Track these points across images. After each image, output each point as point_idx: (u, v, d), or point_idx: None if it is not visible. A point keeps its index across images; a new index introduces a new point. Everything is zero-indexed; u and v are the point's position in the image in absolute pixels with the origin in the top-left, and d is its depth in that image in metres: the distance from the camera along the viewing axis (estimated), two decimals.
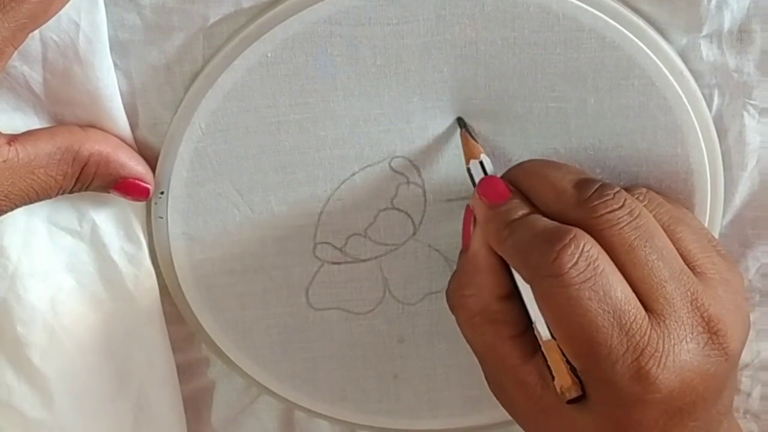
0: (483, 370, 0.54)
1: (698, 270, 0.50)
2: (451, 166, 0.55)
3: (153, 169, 0.55)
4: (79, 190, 0.53)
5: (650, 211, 0.51)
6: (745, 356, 0.61)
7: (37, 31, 0.49)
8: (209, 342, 0.60)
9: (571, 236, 0.48)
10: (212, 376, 0.63)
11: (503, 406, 0.53)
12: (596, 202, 0.49)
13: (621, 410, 0.48)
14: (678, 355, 0.47)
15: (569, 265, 0.47)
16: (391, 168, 0.55)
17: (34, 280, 0.55)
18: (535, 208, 0.51)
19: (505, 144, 0.55)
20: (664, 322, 0.48)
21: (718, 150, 0.55)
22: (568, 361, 0.49)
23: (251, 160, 0.55)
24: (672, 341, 0.47)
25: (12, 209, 0.51)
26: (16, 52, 0.48)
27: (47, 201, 0.53)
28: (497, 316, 0.51)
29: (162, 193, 0.55)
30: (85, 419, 0.59)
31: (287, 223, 0.57)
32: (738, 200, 0.57)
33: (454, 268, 0.54)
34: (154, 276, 0.57)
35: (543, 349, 0.50)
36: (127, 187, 0.54)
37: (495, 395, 0.54)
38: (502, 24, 0.52)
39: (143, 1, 0.51)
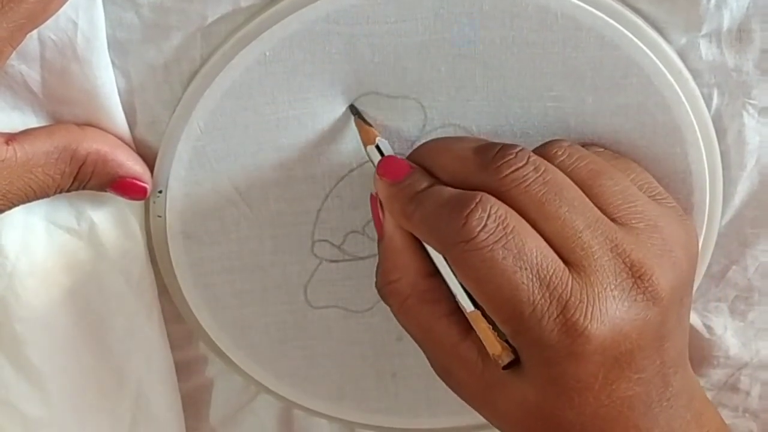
0: (426, 355, 0.53)
1: (620, 220, 0.49)
2: None
3: (151, 167, 0.55)
4: (77, 189, 0.53)
5: (568, 166, 0.50)
6: (744, 355, 0.62)
7: (35, 31, 0.49)
8: (208, 340, 0.60)
9: (477, 200, 0.47)
10: (211, 374, 0.63)
11: (451, 388, 0.53)
12: (499, 163, 0.48)
13: (556, 368, 0.47)
14: (603, 303, 0.47)
15: (478, 228, 0.47)
16: None
17: (32, 279, 0.55)
18: (440, 182, 0.50)
19: None
20: (584, 271, 0.47)
21: (717, 149, 0.55)
22: (498, 330, 0.48)
23: (249, 157, 0.55)
24: (595, 290, 0.47)
25: (10, 208, 0.51)
26: (14, 52, 0.48)
27: (45, 199, 0.53)
28: (428, 295, 0.51)
29: (160, 191, 0.55)
30: (84, 417, 0.59)
31: (285, 220, 0.57)
32: (737, 199, 0.57)
33: None
34: (153, 274, 0.58)
35: (469, 320, 0.49)
36: (125, 187, 0.54)
37: (442, 379, 0.53)
38: (501, 23, 0.51)
39: (141, 0, 0.51)
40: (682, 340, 0.51)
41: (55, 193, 0.52)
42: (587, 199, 0.49)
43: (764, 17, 0.53)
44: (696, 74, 0.54)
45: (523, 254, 0.47)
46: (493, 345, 0.48)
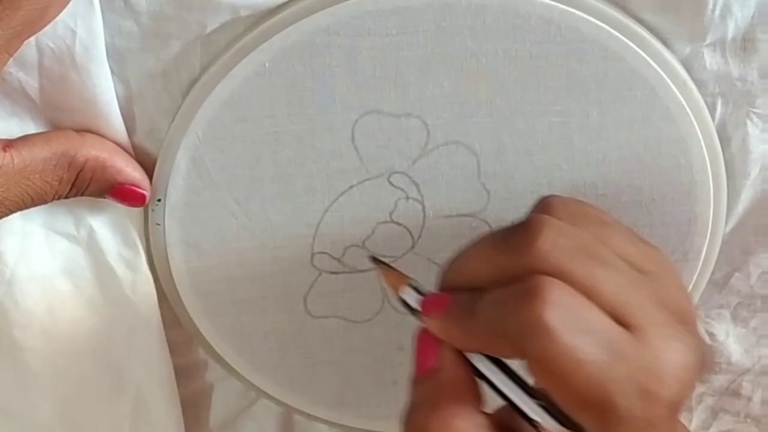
0: None
1: (640, 268, 0.47)
2: (450, 183, 0.55)
3: (150, 175, 0.54)
4: (75, 196, 0.53)
5: (575, 224, 0.47)
6: (746, 361, 0.62)
7: (33, 38, 0.49)
8: (207, 347, 0.60)
9: (540, 283, 0.43)
10: (210, 378, 0.63)
11: None
12: (531, 242, 0.45)
13: None
14: (669, 360, 0.45)
15: (556, 314, 0.43)
16: (390, 183, 0.55)
17: (31, 285, 0.55)
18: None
19: (507, 163, 0.54)
20: (644, 332, 0.44)
21: (721, 159, 0.55)
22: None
23: (248, 169, 0.55)
24: (659, 348, 0.45)
25: (7, 215, 0.51)
26: (11, 59, 0.48)
27: (44, 206, 0.53)
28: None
29: (159, 200, 0.55)
30: (83, 423, 0.59)
31: (285, 232, 0.56)
32: (741, 208, 0.57)
33: None
34: (152, 281, 0.57)
35: None
36: (123, 193, 0.53)
37: None
38: (504, 35, 0.51)
39: (140, 9, 0.51)
40: None
41: (53, 199, 0.52)
42: (615, 255, 0.46)
43: None
44: (700, 84, 0.54)
45: (595, 331, 0.43)
46: None
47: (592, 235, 0.46)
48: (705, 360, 0.50)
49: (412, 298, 0.50)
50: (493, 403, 0.48)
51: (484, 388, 0.47)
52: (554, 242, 0.45)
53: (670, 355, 0.45)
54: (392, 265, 0.54)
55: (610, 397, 0.43)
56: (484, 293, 0.46)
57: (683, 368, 0.45)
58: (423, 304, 0.49)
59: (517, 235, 0.45)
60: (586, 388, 0.43)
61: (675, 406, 0.45)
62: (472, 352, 0.47)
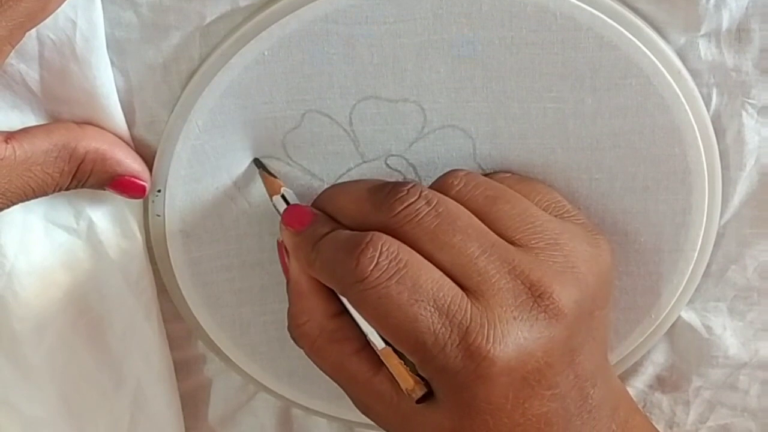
0: (345, 393, 0.54)
1: (519, 242, 0.50)
2: (447, 165, 0.55)
3: (150, 167, 0.55)
4: (76, 187, 0.53)
5: (464, 195, 0.51)
6: (743, 355, 0.62)
7: (33, 30, 0.49)
8: (206, 339, 0.60)
9: (368, 240, 0.48)
10: (209, 373, 0.63)
11: (373, 422, 0.54)
12: (391, 201, 0.50)
13: (466, 393, 0.48)
14: (505, 325, 0.48)
15: (370, 267, 0.48)
16: (387, 166, 0.55)
17: (31, 278, 0.55)
18: (342, 226, 0.52)
19: (503, 146, 0.55)
20: (483, 296, 0.48)
21: (716, 149, 0.55)
22: (411, 365, 0.49)
23: (248, 156, 0.55)
24: (495, 313, 0.48)
25: (8, 206, 0.51)
26: (13, 51, 0.48)
27: (44, 198, 0.53)
28: (336, 334, 0.52)
29: (159, 190, 0.55)
30: (82, 416, 0.59)
31: None
32: (736, 199, 0.57)
33: None
34: (151, 273, 0.58)
35: (381, 357, 0.50)
36: (124, 185, 0.54)
37: (363, 413, 0.54)
38: (500, 23, 0.51)
39: (140, 0, 0.51)
40: (599, 352, 0.52)
41: (53, 191, 0.52)
42: (483, 226, 0.50)
43: (763, 17, 0.53)
44: (695, 74, 0.54)
45: (418, 286, 0.48)
46: (405, 380, 0.49)
47: (478, 206, 0.51)
48: (590, 349, 0.51)
49: (282, 206, 0.54)
50: None
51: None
52: (412, 206, 0.49)
53: (506, 321, 0.48)
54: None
55: (425, 346, 0.48)
56: (336, 230, 0.51)
57: (521, 336, 0.48)
58: (285, 212, 0.53)
59: (387, 194, 0.50)
60: (401, 335, 0.48)
61: (515, 374, 0.48)
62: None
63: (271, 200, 0.54)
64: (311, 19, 0.51)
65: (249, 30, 0.52)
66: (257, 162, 0.55)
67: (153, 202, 0.56)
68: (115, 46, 0.52)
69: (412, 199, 0.49)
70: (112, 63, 0.52)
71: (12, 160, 0.50)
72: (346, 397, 0.61)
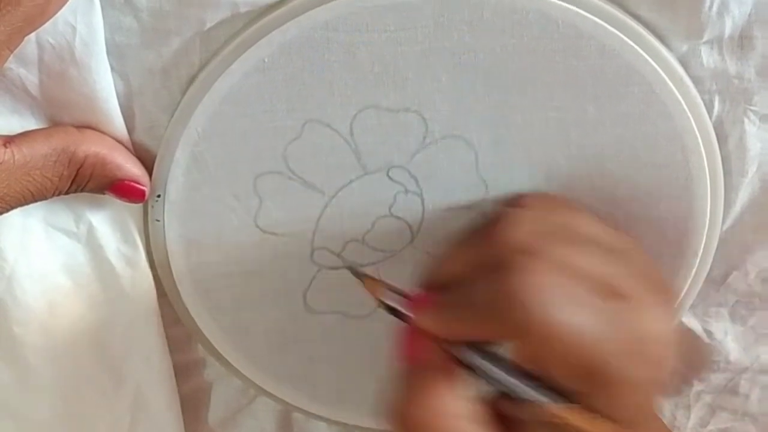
0: None
1: (610, 247, 0.50)
2: (449, 176, 0.55)
3: (150, 172, 0.55)
4: (75, 192, 0.53)
5: (546, 212, 0.51)
6: (745, 360, 0.62)
7: (33, 34, 0.49)
8: (206, 344, 0.60)
9: (513, 256, 0.46)
10: (209, 376, 0.63)
11: None
12: (501, 232, 0.48)
13: None
14: (655, 325, 0.48)
15: (536, 282, 0.45)
16: (389, 177, 0.55)
17: (30, 281, 0.55)
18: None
19: (505, 155, 0.55)
20: (629, 299, 0.47)
21: (718, 156, 0.55)
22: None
23: (248, 164, 0.55)
24: (646, 314, 0.47)
25: (8, 210, 0.51)
26: (12, 55, 0.48)
27: (44, 202, 0.53)
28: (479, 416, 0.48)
29: (159, 196, 0.55)
30: (82, 420, 0.59)
31: (284, 228, 0.56)
32: (738, 205, 0.57)
33: None
34: (151, 278, 0.57)
35: (558, 419, 0.47)
36: (123, 189, 0.54)
37: None
38: (501, 31, 0.51)
39: (140, 5, 0.51)
40: None
41: (53, 195, 0.52)
42: None
43: (766, 24, 0.53)
44: (697, 81, 0.54)
45: (578, 298, 0.46)
46: (598, 426, 0.47)
47: (563, 220, 0.50)
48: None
49: (395, 299, 0.51)
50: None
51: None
52: (525, 229, 0.48)
53: (656, 320, 0.48)
54: (394, 257, 0.56)
55: (603, 361, 0.45)
56: (467, 286, 0.48)
57: (667, 333, 0.48)
58: (411, 304, 0.50)
59: (489, 229, 0.49)
60: (578, 354, 0.45)
61: (660, 372, 0.48)
62: (460, 341, 0.49)
63: (380, 301, 0.52)
64: (311, 27, 0.51)
65: (249, 36, 0.51)
66: (352, 270, 0.54)
67: (152, 207, 0.56)
68: (115, 51, 0.52)
69: (515, 221, 0.49)
70: (112, 68, 0.52)
71: (11, 164, 0.50)
72: (346, 400, 0.61)
